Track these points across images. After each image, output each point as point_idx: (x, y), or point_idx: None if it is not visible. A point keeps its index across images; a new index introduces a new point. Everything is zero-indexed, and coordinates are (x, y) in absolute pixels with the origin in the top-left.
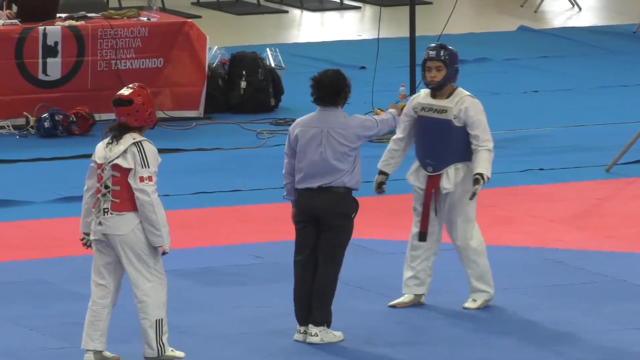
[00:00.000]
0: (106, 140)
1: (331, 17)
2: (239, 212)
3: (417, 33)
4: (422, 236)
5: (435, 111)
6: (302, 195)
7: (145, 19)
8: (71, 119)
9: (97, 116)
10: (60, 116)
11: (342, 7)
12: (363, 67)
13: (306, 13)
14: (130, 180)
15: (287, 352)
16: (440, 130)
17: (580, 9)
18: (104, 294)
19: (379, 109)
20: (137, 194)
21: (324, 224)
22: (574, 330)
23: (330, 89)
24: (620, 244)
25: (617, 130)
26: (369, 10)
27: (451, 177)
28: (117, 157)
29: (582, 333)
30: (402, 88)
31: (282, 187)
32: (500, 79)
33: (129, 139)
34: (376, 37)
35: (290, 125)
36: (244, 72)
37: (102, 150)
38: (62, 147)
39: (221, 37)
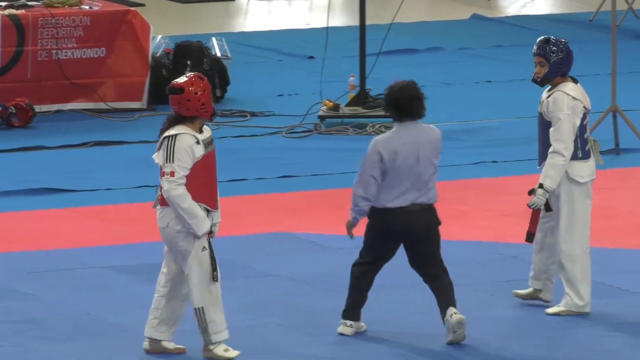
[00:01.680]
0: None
1: (279, 5)
2: None
3: (368, 22)
4: (529, 236)
5: (540, 104)
6: (395, 213)
7: (87, 7)
8: (10, 110)
9: (37, 107)
10: None
11: None
12: (311, 57)
13: (253, 1)
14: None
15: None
16: (539, 124)
17: None
18: (164, 282)
19: (327, 99)
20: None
21: (418, 239)
22: (528, 326)
23: (421, 101)
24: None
25: None
26: None
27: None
28: (156, 151)
29: (536, 329)
30: (351, 78)
31: (355, 208)
32: (453, 68)
33: (169, 132)
34: (325, 25)
35: (237, 115)
36: (189, 62)
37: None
38: (0, 140)
39: (165, 26)
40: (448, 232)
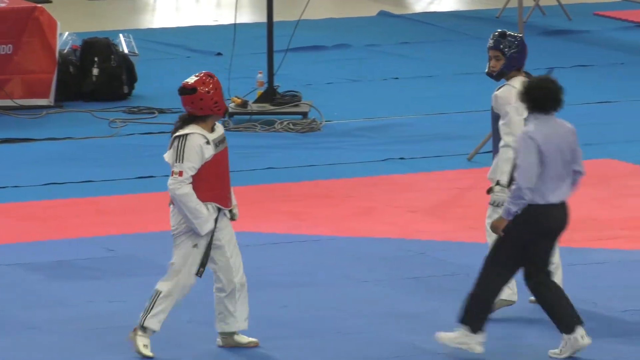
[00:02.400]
0: None
1: (186, 2)
2: (91, 203)
3: (275, 18)
4: None
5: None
6: (553, 209)
7: None
8: None
9: None
10: None
11: None
12: (219, 54)
13: None
14: None
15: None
16: (491, 118)
17: None
18: (214, 278)
19: (236, 96)
20: None
21: (557, 238)
22: (435, 321)
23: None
24: (482, 235)
25: (480, 118)
26: None
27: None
28: (168, 150)
29: (444, 326)
30: (259, 75)
31: (515, 201)
32: (361, 65)
33: (180, 132)
34: (233, 22)
35: (145, 112)
36: (96, 59)
37: None
38: None
39: (73, 22)
40: (355, 228)
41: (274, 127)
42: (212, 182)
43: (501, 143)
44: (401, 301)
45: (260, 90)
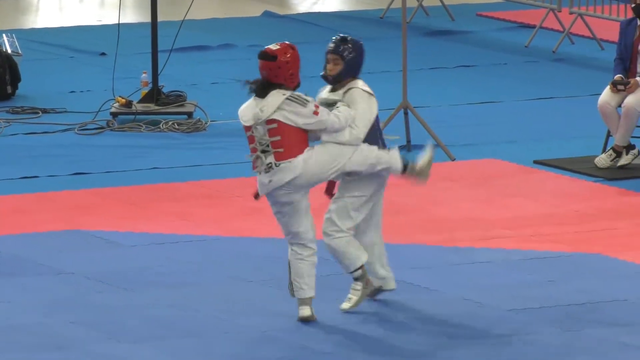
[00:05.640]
0: (251, 101)
1: (70, 1)
2: None
3: (159, 19)
4: None
5: (329, 105)
6: None
7: None
8: None
9: None
10: None
11: None
12: (103, 54)
13: None
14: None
15: (29, 347)
16: None
17: None
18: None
19: (120, 96)
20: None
21: None
22: (323, 323)
23: None
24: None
25: None
26: None
27: None
28: (274, 112)
29: (331, 326)
30: (144, 75)
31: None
32: (245, 65)
33: (278, 95)
34: (117, 22)
35: (28, 112)
36: None
37: (249, 111)
38: None
39: None
40: (241, 228)
41: (159, 127)
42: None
43: None
44: (288, 301)
45: (145, 90)
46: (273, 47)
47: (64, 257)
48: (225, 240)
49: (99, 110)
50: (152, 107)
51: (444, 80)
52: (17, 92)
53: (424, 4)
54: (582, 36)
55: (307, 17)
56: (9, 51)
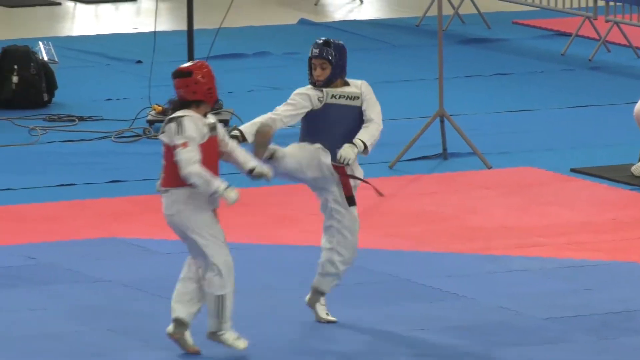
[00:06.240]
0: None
1: (106, 9)
2: (11, 211)
3: (195, 26)
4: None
5: (345, 98)
6: None
7: None
8: None
9: None
10: None
11: None
12: (139, 62)
13: (80, 5)
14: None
15: (65, 355)
16: (348, 118)
17: (362, 1)
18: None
19: (156, 104)
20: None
21: None
22: (359, 331)
23: None
24: (404, 243)
25: (401, 126)
26: (145, 2)
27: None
28: (161, 132)
29: (368, 334)
30: None
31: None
32: (280, 73)
33: (176, 114)
34: (153, 30)
35: (65, 120)
36: (15, 67)
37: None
38: None
39: None
40: (274, 236)
41: None
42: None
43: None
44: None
45: None
46: (186, 65)
47: (100, 264)
48: (259, 248)
49: (135, 118)
50: None
51: (480, 88)
52: (54, 99)
53: (460, 11)
54: (618, 44)
55: (343, 24)
56: (46, 59)
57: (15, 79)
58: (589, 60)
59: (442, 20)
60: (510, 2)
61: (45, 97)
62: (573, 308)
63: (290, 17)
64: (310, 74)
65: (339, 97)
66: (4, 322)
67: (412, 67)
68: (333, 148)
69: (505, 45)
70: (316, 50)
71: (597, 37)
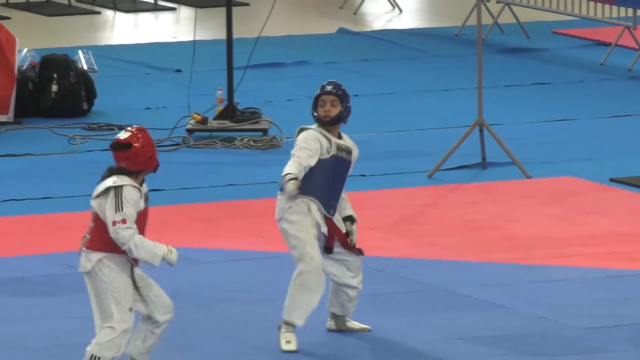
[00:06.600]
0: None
1: (145, 18)
2: (50, 220)
3: (235, 35)
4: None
5: (345, 152)
6: None
7: None
8: None
9: None
10: None
11: (156, 8)
12: (179, 70)
13: (119, 14)
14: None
15: None
16: (345, 172)
17: (401, 10)
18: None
19: (195, 113)
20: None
21: None
22: (394, 339)
23: None
24: (443, 252)
25: (440, 136)
26: (184, 11)
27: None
28: (94, 198)
29: (403, 343)
30: (219, 92)
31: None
32: (320, 82)
33: (115, 182)
34: (192, 39)
35: (104, 129)
36: (55, 75)
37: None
38: None
39: (31, 39)
40: None
41: (234, 144)
42: None
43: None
44: (360, 318)
45: (220, 107)
46: (122, 135)
47: None
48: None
49: (174, 127)
50: (227, 123)
51: (520, 97)
52: (93, 108)
53: (500, 21)
54: None
55: (382, 34)
56: (85, 67)
57: (54, 87)
58: (629, 69)
59: (481, 30)
60: (549, 11)
61: (85, 105)
62: (613, 318)
63: (329, 26)
64: (316, 111)
65: (341, 151)
66: (42, 331)
67: (452, 76)
68: (330, 199)
69: (544, 55)
70: (329, 87)
71: (637, 47)
